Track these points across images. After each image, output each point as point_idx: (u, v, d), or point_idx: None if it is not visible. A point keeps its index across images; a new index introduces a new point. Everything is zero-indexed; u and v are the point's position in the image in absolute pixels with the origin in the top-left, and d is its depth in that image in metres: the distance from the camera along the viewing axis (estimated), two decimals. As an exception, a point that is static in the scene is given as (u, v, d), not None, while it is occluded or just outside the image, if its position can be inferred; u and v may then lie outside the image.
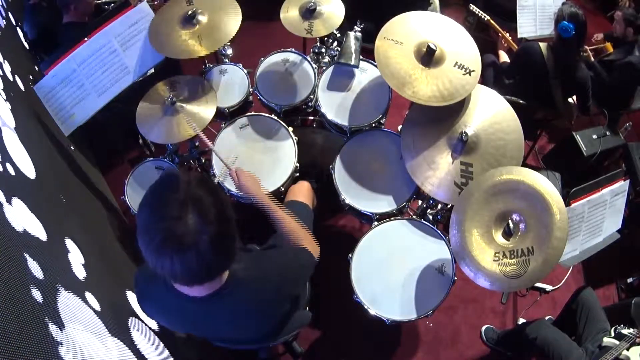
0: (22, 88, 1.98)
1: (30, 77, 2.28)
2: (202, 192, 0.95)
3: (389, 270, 1.90)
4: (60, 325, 0.98)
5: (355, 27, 2.34)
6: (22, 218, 1.16)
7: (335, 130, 2.28)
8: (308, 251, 1.41)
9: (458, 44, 1.96)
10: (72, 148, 2.39)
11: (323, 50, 2.47)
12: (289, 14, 2.30)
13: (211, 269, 1.02)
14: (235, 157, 2.00)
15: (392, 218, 2.02)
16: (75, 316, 1.08)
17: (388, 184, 2.07)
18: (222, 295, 1.13)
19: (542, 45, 2.57)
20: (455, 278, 1.86)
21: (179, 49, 2.07)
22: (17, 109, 1.67)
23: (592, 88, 2.63)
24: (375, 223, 2.01)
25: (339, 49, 2.30)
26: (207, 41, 2.08)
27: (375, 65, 2.18)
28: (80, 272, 1.35)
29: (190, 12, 2.10)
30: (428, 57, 1.90)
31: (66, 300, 1.09)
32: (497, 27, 3.02)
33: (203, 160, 2.49)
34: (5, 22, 2.35)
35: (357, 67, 2.27)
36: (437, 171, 1.89)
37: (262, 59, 2.39)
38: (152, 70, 2.25)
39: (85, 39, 2.06)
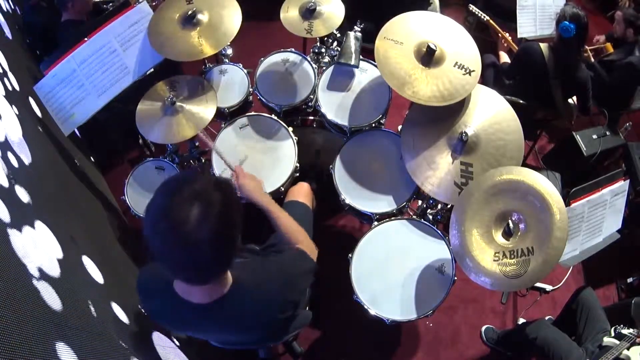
0: (18, 89, 1.97)
1: (30, 77, 2.28)
2: (214, 190, 0.97)
3: (389, 270, 1.90)
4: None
5: (355, 27, 2.34)
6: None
7: (335, 130, 2.28)
8: (310, 257, 1.41)
9: (458, 44, 1.96)
10: (72, 148, 2.39)
11: (323, 50, 2.47)
12: (289, 14, 2.30)
13: (209, 261, 1.01)
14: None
15: (392, 218, 2.02)
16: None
17: (388, 184, 2.07)
18: (226, 303, 1.14)
19: (543, 45, 2.57)
20: (455, 278, 1.86)
21: (179, 50, 2.07)
22: (22, 113, 1.67)
23: (592, 88, 2.63)
24: (375, 223, 2.01)
25: (339, 49, 2.30)
26: (208, 42, 2.07)
27: (375, 65, 2.18)
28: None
29: (190, 12, 2.09)
30: (428, 57, 1.90)
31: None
32: (497, 27, 3.02)
33: (203, 160, 2.49)
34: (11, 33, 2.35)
35: (357, 67, 2.27)
36: (437, 171, 1.89)
37: (262, 59, 2.39)
38: (152, 70, 2.25)
39: (85, 39, 2.06)
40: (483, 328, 2.57)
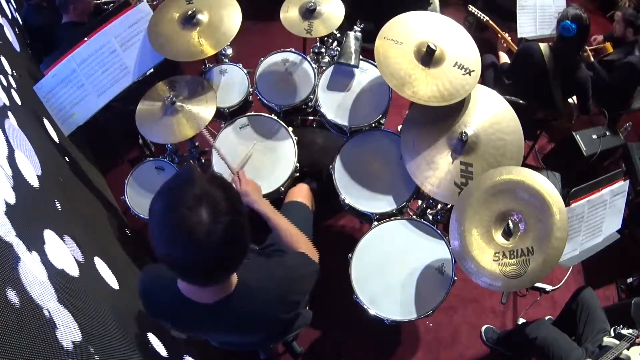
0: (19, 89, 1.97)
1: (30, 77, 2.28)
2: (215, 187, 0.97)
3: (389, 270, 1.90)
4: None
5: (355, 27, 2.34)
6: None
7: (335, 130, 2.28)
8: (313, 260, 1.41)
9: (458, 44, 1.96)
10: (72, 147, 2.39)
11: (323, 50, 2.48)
12: (289, 14, 2.30)
13: (223, 262, 1.01)
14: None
15: (392, 218, 2.02)
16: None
17: (388, 184, 2.07)
18: (230, 303, 1.14)
19: (542, 45, 2.57)
20: (455, 278, 1.86)
21: (179, 50, 2.07)
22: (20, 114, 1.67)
23: (592, 88, 2.63)
24: (375, 223, 2.01)
25: (339, 49, 2.31)
26: (208, 42, 2.07)
27: (375, 65, 2.18)
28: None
29: (190, 12, 2.09)
30: (428, 57, 1.90)
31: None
32: (496, 27, 3.02)
33: (203, 160, 2.49)
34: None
35: (357, 67, 2.27)
36: (437, 171, 1.89)
37: (262, 59, 2.39)
38: (152, 70, 2.25)
39: (85, 39, 2.06)
40: (483, 328, 2.57)
